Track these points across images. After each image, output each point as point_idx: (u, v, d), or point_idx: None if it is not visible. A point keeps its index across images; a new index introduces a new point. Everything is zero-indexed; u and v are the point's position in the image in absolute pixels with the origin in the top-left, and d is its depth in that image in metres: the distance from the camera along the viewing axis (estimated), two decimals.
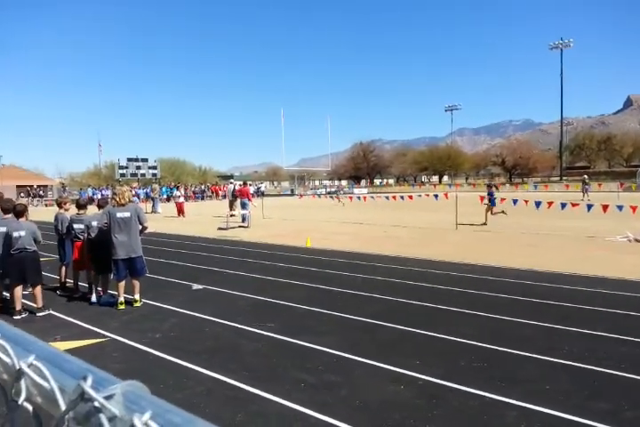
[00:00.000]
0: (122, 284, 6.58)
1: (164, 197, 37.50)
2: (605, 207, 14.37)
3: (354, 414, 3.46)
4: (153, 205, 27.74)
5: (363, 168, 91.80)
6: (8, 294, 6.51)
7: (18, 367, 0.38)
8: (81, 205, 7.62)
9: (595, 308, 6.17)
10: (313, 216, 23.03)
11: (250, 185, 55.50)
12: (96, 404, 0.34)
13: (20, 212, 6.32)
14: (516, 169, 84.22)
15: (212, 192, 48.46)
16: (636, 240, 12.15)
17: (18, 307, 6.20)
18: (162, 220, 21.47)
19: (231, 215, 18.53)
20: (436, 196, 19.04)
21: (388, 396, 3.74)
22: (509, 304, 6.42)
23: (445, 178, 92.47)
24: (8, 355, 0.39)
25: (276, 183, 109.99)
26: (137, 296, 6.63)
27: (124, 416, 0.33)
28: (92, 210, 7.82)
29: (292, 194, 61.14)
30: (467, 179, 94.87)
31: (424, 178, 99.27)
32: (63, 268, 7.74)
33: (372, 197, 25.33)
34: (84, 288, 7.42)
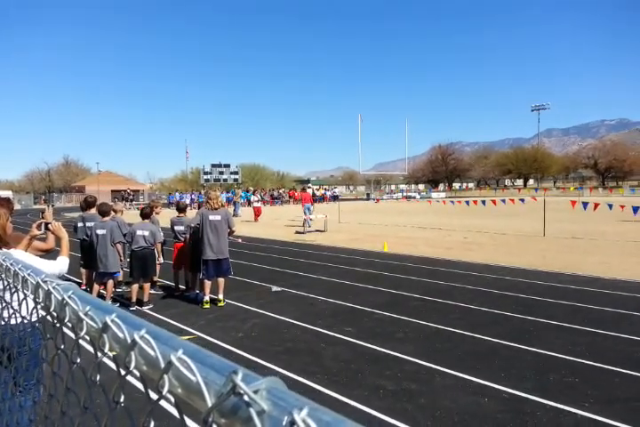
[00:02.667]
0: (208, 283, 6.91)
1: (244, 200, 38.84)
2: None
3: (434, 423, 3.37)
4: (234, 209, 28.84)
5: (441, 172, 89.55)
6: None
7: (167, 360, 0.41)
8: (181, 209, 8.21)
9: None
10: (390, 221, 22.81)
11: (326, 190, 56.28)
12: (246, 398, 0.36)
13: (105, 211, 7.09)
14: (610, 172, 78.25)
15: (290, 197, 49.49)
16: None
17: (133, 299, 6.91)
18: (239, 224, 22.27)
19: (310, 219, 18.82)
20: (522, 200, 18.11)
21: (470, 408, 3.61)
22: (617, 319, 5.97)
23: (531, 181, 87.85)
24: (153, 349, 0.43)
25: (352, 187, 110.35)
26: (221, 296, 6.93)
27: (271, 411, 0.35)
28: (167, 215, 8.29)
29: (368, 198, 61.03)
30: (554, 182, 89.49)
31: (507, 182, 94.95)
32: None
33: (452, 202, 24.57)
34: (166, 286, 7.86)
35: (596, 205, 15.31)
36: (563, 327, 5.59)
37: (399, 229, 18.17)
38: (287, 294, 7.64)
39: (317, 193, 45.96)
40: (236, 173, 55.32)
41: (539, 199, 17.78)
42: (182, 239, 7.77)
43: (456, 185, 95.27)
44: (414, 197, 53.24)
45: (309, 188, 24.06)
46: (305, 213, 19.75)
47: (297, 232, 17.84)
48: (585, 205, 15.24)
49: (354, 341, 5.22)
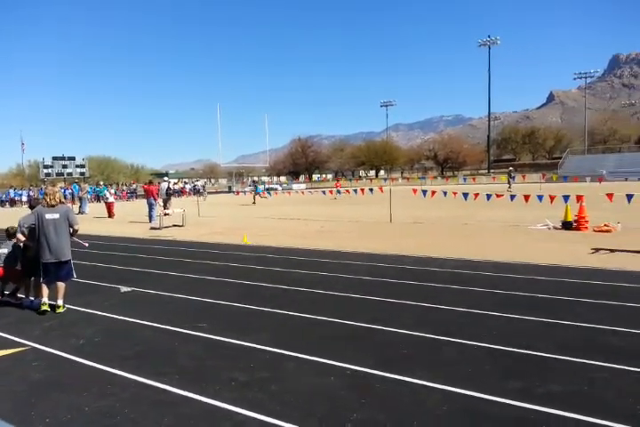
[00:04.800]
0: (46, 288, 6.24)
1: (91, 196, 35.75)
2: (527, 197, 15.25)
3: (282, 407, 3.48)
4: (81, 206, 26.38)
5: (301, 164, 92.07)
6: None
7: None
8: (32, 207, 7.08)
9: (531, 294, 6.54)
10: (250, 213, 22.85)
11: (186, 183, 54.23)
12: None
13: None
14: (448, 163, 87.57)
15: (145, 191, 46.81)
16: (555, 228, 13.00)
17: None
18: (91, 220, 20.48)
19: (165, 214, 17.99)
20: (371, 190, 19.42)
21: (317, 388, 3.79)
22: (441, 292, 6.68)
23: (382, 172, 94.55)
24: None
25: (213, 180, 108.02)
26: (60, 302, 6.29)
27: None
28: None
29: (230, 191, 60.32)
30: (402, 173, 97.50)
31: (362, 173, 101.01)
32: None
33: (310, 192, 25.41)
34: None
35: (433, 193, 17.04)
36: (407, 305, 6.13)
37: (260, 221, 18.28)
38: (138, 294, 7.23)
39: (176, 186, 44.11)
40: (82, 166, 50.62)
41: (385, 189, 19.24)
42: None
43: (315, 176, 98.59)
44: (276, 189, 53.88)
45: (165, 181, 22.92)
46: (151, 208, 18.90)
47: (152, 228, 16.95)
48: (424, 192, 16.86)
49: (209, 336, 5.13)
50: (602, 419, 3.15)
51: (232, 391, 3.80)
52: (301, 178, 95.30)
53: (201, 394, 3.75)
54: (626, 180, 49.54)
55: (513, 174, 38.04)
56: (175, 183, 48.13)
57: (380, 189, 19.29)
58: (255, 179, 52.50)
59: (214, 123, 51.25)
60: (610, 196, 14.20)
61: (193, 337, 5.14)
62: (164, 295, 7.04)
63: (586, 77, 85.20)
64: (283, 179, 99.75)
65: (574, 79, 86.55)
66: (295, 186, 68.11)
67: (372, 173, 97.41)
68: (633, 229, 12.12)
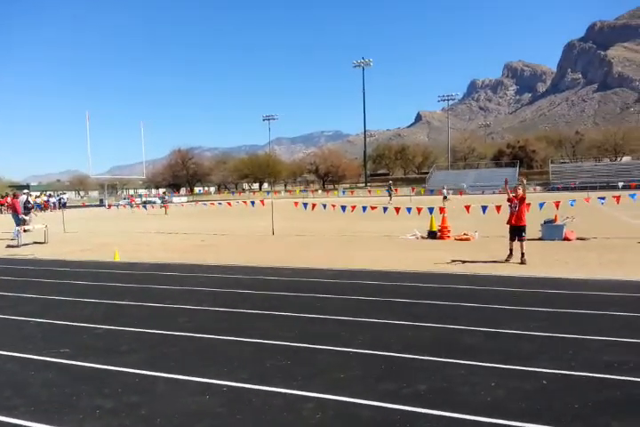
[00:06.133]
0: None
1: None
2: (398, 209, 16.35)
3: None
4: None
5: (182, 176, 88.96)
6: None
7: None
8: None
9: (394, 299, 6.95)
10: (126, 228, 21.52)
11: (50, 196, 49.48)
12: None
13: None
14: (328, 176, 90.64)
15: (1, 205, 41.76)
16: (422, 237, 14.08)
17: None
18: None
19: (24, 231, 16.21)
20: (253, 202, 19.44)
21: (190, 408, 3.67)
22: (318, 302, 6.85)
23: (266, 185, 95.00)
24: None
25: (82, 193, 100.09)
26: None
27: None
28: None
29: (102, 204, 56.29)
30: (285, 186, 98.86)
31: (245, 185, 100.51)
32: None
33: (192, 205, 24.66)
34: None
35: (314, 206, 17.54)
36: (277, 316, 6.18)
37: (136, 236, 17.29)
38: None
39: (38, 200, 39.95)
40: None
41: (267, 202, 19.38)
42: None
43: (197, 189, 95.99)
44: (154, 202, 51.38)
45: (25, 193, 20.71)
46: (18, 224, 16.94)
47: (9, 246, 15.18)
48: (305, 205, 17.29)
49: (71, 362, 4.70)
50: (460, 413, 3.44)
51: (97, 420, 3.51)
52: (182, 191, 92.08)
53: (61, 426, 3.42)
54: (482, 193, 55.50)
55: (393, 187, 40.62)
56: (38, 196, 43.66)
57: (262, 202, 19.37)
58: (163, 190, 49.55)
59: (84, 130, 47.46)
60: (467, 207, 15.77)
61: (52, 364, 4.68)
62: (19, 320, 6.32)
63: (448, 100, 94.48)
64: (162, 191, 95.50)
65: (438, 101, 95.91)
66: (176, 199, 65.60)
67: (256, 185, 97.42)
68: (490, 237, 13.57)
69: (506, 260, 9.80)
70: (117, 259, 11.61)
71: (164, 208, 30.49)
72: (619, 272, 8.37)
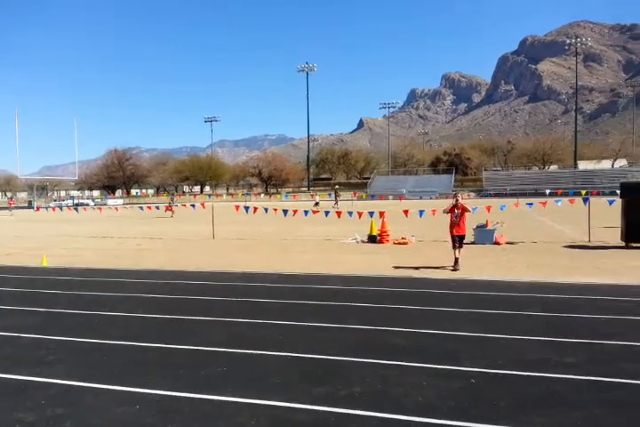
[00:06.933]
0: None
1: None
2: (339, 213, 16.56)
3: None
4: None
5: (118, 177, 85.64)
6: None
7: None
8: None
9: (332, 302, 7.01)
10: (58, 231, 20.43)
11: None
12: None
13: None
14: (272, 180, 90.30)
15: None
16: (362, 241, 14.33)
17: None
18: None
19: None
20: (193, 206, 19.03)
21: (120, 418, 3.54)
22: (259, 307, 6.81)
23: (207, 188, 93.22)
24: None
25: (10, 194, 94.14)
26: None
27: None
28: None
29: (31, 206, 53.19)
30: (227, 189, 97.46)
31: (186, 188, 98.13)
32: None
33: (126, 208, 23.79)
34: None
35: (255, 209, 17.42)
36: (222, 322, 6.09)
37: (66, 240, 16.45)
38: None
39: None
40: None
41: (207, 205, 19.04)
42: None
43: (134, 191, 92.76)
44: (87, 204, 49.12)
45: None
46: None
47: None
48: (247, 209, 17.13)
49: None
50: (393, 414, 3.52)
51: None
52: (118, 193, 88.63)
53: None
54: (420, 198, 57.29)
55: (339, 192, 41.06)
56: None
57: (202, 205, 19.00)
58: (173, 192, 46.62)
59: (12, 127, 44.71)
60: (406, 212, 16.22)
61: None
62: None
63: (389, 107, 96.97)
64: (96, 193, 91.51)
65: (380, 108, 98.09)
66: (111, 201, 63.01)
67: (197, 188, 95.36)
68: (425, 241, 14.02)
69: (453, 268, 9.65)
70: (45, 264, 11.00)
71: (170, 211, 27.12)
72: (542, 275, 8.90)
